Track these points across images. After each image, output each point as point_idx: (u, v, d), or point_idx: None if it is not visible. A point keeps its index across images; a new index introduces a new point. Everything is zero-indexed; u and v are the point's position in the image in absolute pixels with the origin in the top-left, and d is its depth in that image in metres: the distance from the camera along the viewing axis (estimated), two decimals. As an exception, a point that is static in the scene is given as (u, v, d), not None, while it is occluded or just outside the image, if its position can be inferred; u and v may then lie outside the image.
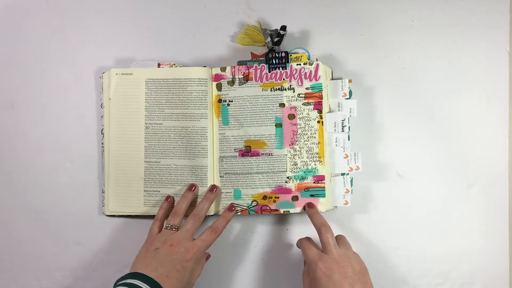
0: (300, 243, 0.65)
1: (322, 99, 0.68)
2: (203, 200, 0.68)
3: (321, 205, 0.68)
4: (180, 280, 0.61)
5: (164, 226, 0.66)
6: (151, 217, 0.73)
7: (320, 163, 0.68)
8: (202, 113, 0.70)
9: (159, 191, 0.71)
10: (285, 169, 0.69)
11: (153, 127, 0.72)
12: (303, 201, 0.68)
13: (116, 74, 0.72)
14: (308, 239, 0.65)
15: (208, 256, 0.69)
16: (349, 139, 0.70)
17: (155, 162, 0.71)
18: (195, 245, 0.63)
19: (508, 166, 0.70)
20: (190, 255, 0.62)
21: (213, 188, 0.69)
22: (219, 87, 0.71)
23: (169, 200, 0.69)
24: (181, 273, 0.61)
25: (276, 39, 0.70)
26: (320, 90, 0.68)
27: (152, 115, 0.72)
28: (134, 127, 0.72)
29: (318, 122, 0.68)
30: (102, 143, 0.74)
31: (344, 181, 0.70)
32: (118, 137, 0.72)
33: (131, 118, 0.72)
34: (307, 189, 0.68)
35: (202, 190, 0.70)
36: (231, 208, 0.69)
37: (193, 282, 0.64)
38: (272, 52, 0.70)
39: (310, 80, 0.69)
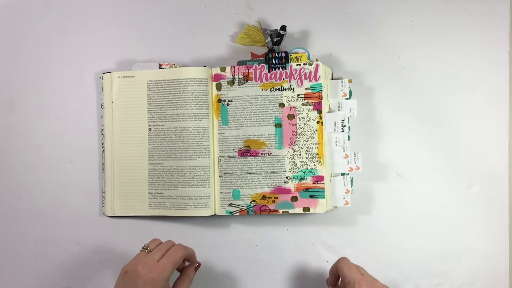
0: (339, 262, 0.62)
1: (321, 99, 0.68)
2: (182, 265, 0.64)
3: (320, 206, 0.68)
4: None
5: (141, 248, 0.62)
6: (153, 217, 0.73)
7: (320, 164, 0.68)
8: (203, 113, 0.70)
9: (163, 193, 0.71)
10: (284, 169, 0.69)
11: (156, 129, 0.72)
12: (302, 201, 0.68)
13: (118, 77, 0.73)
14: (346, 259, 0.62)
15: (198, 266, 0.66)
16: (349, 139, 0.70)
17: (158, 164, 0.71)
18: (160, 264, 0.59)
19: (508, 166, 0.70)
20: (154, 275, 0.57)
21: (198, 266, 0.67)
22: (218, 87, 0.71)
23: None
24: None
25: (276, 39, 0.70)
26: (320, 91, 0.68)
27: (155, 116, 0.72)
28: (137, 129, 0.72)
29: (318, 122, 0.68)
30: (102, 144, 0.74)
31: (344, 181, 0.70)
32: (122, 140, 0.72)
33: (134, 120, 0.72)
34: (306, 189, 0.68)
35: (203, 190, 0.70)
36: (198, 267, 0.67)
37: None
38: (272, 52, 0.70)
39: (310, 81, 0.69)
